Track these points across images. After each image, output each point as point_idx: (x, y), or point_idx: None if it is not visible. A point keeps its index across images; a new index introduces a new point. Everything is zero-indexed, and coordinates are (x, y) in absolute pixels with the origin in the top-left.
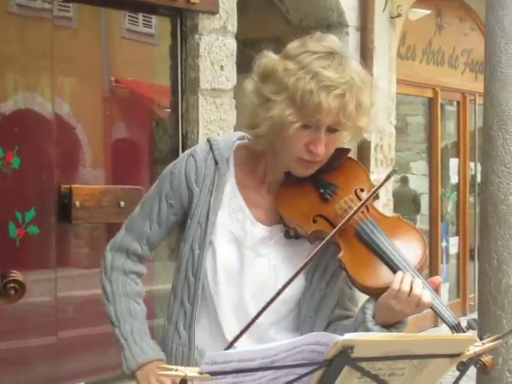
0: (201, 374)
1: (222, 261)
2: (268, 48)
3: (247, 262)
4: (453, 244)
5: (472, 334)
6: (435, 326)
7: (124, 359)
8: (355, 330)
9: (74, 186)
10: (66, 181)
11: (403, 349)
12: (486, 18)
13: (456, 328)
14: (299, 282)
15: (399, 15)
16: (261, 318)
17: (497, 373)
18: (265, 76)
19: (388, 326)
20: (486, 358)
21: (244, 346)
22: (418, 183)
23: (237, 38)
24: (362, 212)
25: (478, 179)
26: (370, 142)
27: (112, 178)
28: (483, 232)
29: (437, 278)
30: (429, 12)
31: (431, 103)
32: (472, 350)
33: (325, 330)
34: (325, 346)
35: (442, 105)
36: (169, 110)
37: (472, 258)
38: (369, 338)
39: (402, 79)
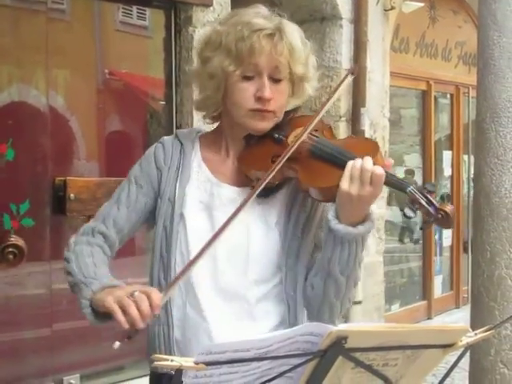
0: (196, 364)
1: (193, 229)
2: None
3: (217, 224)
4: (446, 237)
5: (430, 196)
6: (429, 318)
7: (84, 288)
8: (324, 245)
9: (68, 178)
10: (60, 173)
11: (397, 339)
12: (479, 10)
13: (412, 191)
14: (273, 236)
15: (393, 8)
16: (240, 278)
17: (489, 364)
18: (202, 45)
19: (354, 225)
20: (447, 207)
21: (219, 309)
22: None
23: None
24: (314, 136)
25: (472, 172)
26: (363, 135)
27: (106, 170)
28: (476, 224)
29: (387, 160)
30: (422, 5)
31: (425, 96)
32: (465, 340)
33: (307, 275)
34: (319, 337)
35: (435, 97)
36: (163, 103)
37: (465, 250)
38: (363, 329)
39: (395, 72)
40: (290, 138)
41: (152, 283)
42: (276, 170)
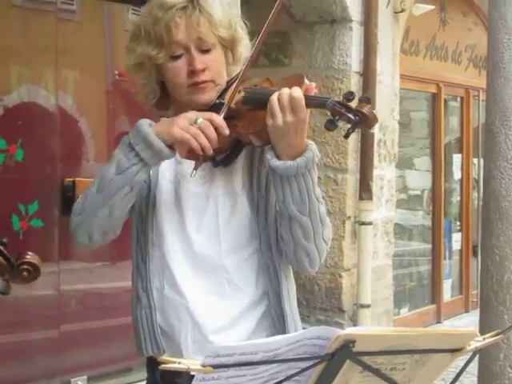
0: (203, 366)
1: (161, 204)
2: (271, 42)
3: (185, 200)
4: (456, 240)
5: (349, 103)
6: (438, 322)
7: (137, 133)
8: (274, 187)
9: (77, 179)
10: (69, 174)
11: (405, 343)
12: (489, 13)
13: (331, 103)
14: (241, 201)
15: (403, 10)
16: (215, 248)
17: (499, 368)
18: (128, 41)
19: (295, 158)
20: (364, 108)
21: (198, 285)
22: (422, 179)
23: None
24: (248, 87)
25: (481, 175)
26: (373, 137)
27: None
28: (485, 228)
29: (310, 84)
30: (433, 7)
31: (434, 99)
32: (473, 344)
33: (279, 229)
34: (326, 340)
35: (445, 100)
36: None
37: (475, 254)
38: (371, 333)
39: (405, 74)
40: (227, 96)
41: (132, 269)
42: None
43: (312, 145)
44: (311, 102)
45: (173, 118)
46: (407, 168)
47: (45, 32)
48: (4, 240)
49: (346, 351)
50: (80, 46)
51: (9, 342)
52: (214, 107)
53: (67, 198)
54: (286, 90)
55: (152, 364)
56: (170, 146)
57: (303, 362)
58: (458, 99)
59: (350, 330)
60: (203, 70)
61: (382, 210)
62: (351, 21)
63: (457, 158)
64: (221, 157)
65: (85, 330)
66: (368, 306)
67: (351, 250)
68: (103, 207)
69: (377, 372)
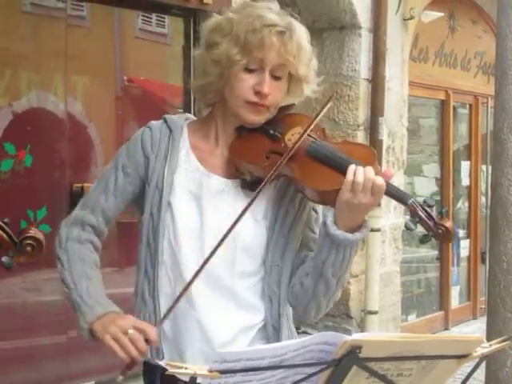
0: (210, 371)
1: (181, 218)
2: None
3: (206, 214)
4: (464, 247)
5: (430, 210)
6: (446, 328)
7: (80, 315)
8: (320, 247)
9: (85, 184)
10: (77, 180)
11: (411, 349)
12: (498, 21)
13: (413, 204)
14: (260, 230)
15: (412, 17)
16: (228, 269)
17: (506, 375)
18: (211, 30)
19: (352, 231)
20: (447, 223)
21: (208, 300)
22: (430, 186)
23: None
24: (313, 138)
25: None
26: (381, 144)
27: None
28: (493, 235)
29: (388, 170)
30: (442, 14)
31: (443, 106)
32: (479, 351)
33: (293, 272)
34: (333, 346)
35: (454, 107)
36: (181, 110)
37: (483, 261)
38: (377, 339)
39: (414, 81)
40: (288, 136)
41: (139, 271)
42: (276, 171)
43: (367, 222)
44: (392, 193)
45: (111, 321)
46: (416, 175)
47: (55, 38)
48: (5, 220)
49: (352, 357)
50: (89, 52)
51: (17, 347)
52: (267, 134)
53: (76, 203)
54: (370, 173)
55: (150, 369)
56: None
57: (310, 367)
58: (467, 106)
59: (356, 336)
60: (267, 95)
61: (390, 217)
62: (360, 28)
63: (465, 165)
64: (252, 179)
65: None
66: (376, 313)
67: (359, 257)
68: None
69: (383, 378)
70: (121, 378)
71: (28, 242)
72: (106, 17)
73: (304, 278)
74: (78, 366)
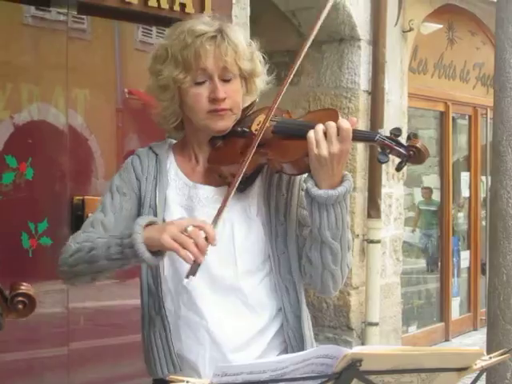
0: None
1: None
2: (281, 61)
3: (199, 213)
4: (464, 258)
5: (398, 138)
6: (446, 340)
7: (128, 243)
8: (310, 214)
9: (86, 197)
10: (78, 192)
11: (411, 362)
12: (496, 34)
13: (381, 138)
14: (256, 227)
15: (411, 29)
16: (231, 270)
17: None
18: (152, 61)
19: (334, 187)
20: (417, 143)
21: (216, 306)
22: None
23: None
24: (276, 117)
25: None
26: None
27: None
28: (492, 247)
29: (351, 119)
30: (440, 26)
31: (443, 117)
32: (479, 363)
33: (300, 254)
34: (334, 359)
35: (453, 119)
36: None
37: (483, 272)
38: (377, 352)
39: (413, 93)
40: (254, 127)
41: (142, 289)
42: (250, 157)
43: (348, 175)
44: (359, 135)
45: (164, 224)
46: (416, 186)
47: (55, 50)
48: None
49: (352, 370)
50: (90, 65)
51: (18, 359)
52: (237, 134)
53: (77, 216)
54: (331, 123)
55: None
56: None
57: (310, 380)
58: (466, 117)
59: (356, 349)
60: (224, 99)
61: (390, 228)
62: (359, 40)
63: (465, 176)
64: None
65: (94, 347)
66: (376, 324)
67: (359, 268)
68: (88, 275)
69: None
70: (186, 280)
71: (19, 298)
72: (107, 29)
73: (309, 252)
74: (78, 378)
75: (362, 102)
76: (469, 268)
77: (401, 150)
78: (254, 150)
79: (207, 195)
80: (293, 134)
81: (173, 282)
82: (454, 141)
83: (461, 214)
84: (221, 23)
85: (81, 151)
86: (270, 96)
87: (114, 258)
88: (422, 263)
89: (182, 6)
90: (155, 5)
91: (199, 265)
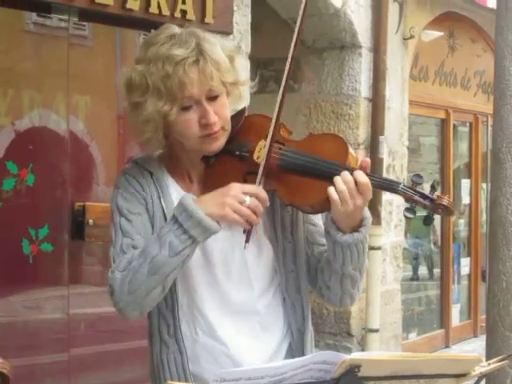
0: None
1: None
2: (281, 68)
3: (210, 252)
4: (464, 265)
5: (422, 190)
6: (446, 346)
7: (189, 221)
8: (333, 254)
9: (87, 203)
10: (79, 198)
11: (410, 368)
12: (496, 41)
13: (403, 189)
14: (264, 243)
15: (412, 37)
16: (249, 294)
17: None
18: (128, 90)
19: (356, 228)
20: (443, 200)
21: (234, 331)
22: None
23: (250, 58)
24: (279, 148)
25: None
26: (382, 163)
27: None
28: (492, 253)
29: (364, 161)
30: (441, 33)
31: (443, 124)
32: (478, 370)
33: (311, 272)
34: (332, 365)
35: (454, 126)
36: None
37: (484, 279)
38: (376, 358)
39: (414, 100)
40: (256, 154)
41: (152, 315)
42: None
43: (367, 212)
44: (379, 185)
45: (219, 195)
46: None
47: (57, 57)
48: None
49: (351, 376)
50: (91, 71)
51: (18, 365)
52: (233, 155)
53: (77, 222)
54: (349, 178)
55: None
56: None
57: None
58: (467, 125)
59: (355, 355)
60: (215, 123)
61: (390, 235)
62: (360, 47)
63: (465, 183)
64: None
65: (94, 353)
66: (376, 331)
67: None
68: (158, 286)
69: None
70: (247, 244)
71: None
72: (108, 36)
73: (328, 281)
74: None
75: (363, 109)
76: (469, 275)
77: (427, 203)
78: (261, 184)
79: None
80: (304, 173)
81: (188, 307)
82: (454, 148)
83: (461, 221)
84: (196, 39)
85: (82, 157)
86: (270, 103)
87: (181, 250)
88: (422, 270)
89: (183, 12)
90: (156, 11)
91: (254, 230)
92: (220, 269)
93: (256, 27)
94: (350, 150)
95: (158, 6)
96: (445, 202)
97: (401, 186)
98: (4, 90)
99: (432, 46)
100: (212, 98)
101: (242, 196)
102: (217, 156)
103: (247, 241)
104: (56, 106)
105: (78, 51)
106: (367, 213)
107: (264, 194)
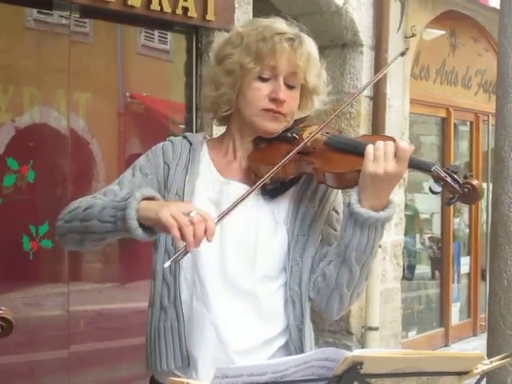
0: None
1: None
2: None
3: (226, 220)
4: (464, 264)
5: (454, 174)
6: (446, 345)
7: (122, 209)
8: (343, 229)
9: None
10: (80, 195)
11: (412, 365)
12: (499, 39)
13: (437, 170)
14: (281, 233)
15: (413, 35)
16: (247, 273)
17: None
18: (221, 45)
19: (376, 210)
20: (473, 181)
21: (227, 304)
22: (431, 203)
23: None
24: (327, 133)
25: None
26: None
27: None
28: (493, 252)
29: (411, 146)
30: (443, 32)
31: (444, 123)
32: (480, 367)
33: (313, 269)
34: (334, 362)
35: (455, 125)
36: (183, 127)
37: (483, 278)
38: (378, 355)
39: (415, 99)
40: (305, 135)
41: (155, 280)
42: (289, 158)
43: (393, 203)
44: (415, 161)
45: (167, 202)
46: (416, 191)
47: (58, 54)
48: None
49: (353, 373)
50: (92, 69)
51: (18, 362)
52: (284, 139)
53: None
54: (391, 143)
55: None
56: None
57: (311, 383)
58: (468, 124)
59: (357, 352)
60: (283, 102)
61: (390, 234)
62: (362, 45)
63: None
64: (272, 186)
65: (94, 350)
66: (376, 329)
67: None
68: (76, 233)
69: None
70: (168, 263)
71: None
72: (109, 33)
73: (326, 267)
74: (78, 381)
75: (364, 107)
76: (469, 274)
77: (455, 185)
78: (295, 152)
79: (238, 192)
80: (346, 149)
81: (190, 273)
82: (455, 147)
83: (461, 220)
84: (299, 31)
85: (82, 154)
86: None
87: (105, 221)
88: (422, 269)
89: (185, 9)
90: (158, 8)
91: (186, 253)
92: (230, 237)
93: None
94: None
95: (160, 3)
96: (474, 182)
97: (435, 166)
98: (5, 87)
99: (433, 44)
100: (289, 85)
101: (190, 209)
102: (268, 142)
103: (171, 261)
104: (57, 102)
105: (79, 48)
106: (392, 204)
107: (212, 225)
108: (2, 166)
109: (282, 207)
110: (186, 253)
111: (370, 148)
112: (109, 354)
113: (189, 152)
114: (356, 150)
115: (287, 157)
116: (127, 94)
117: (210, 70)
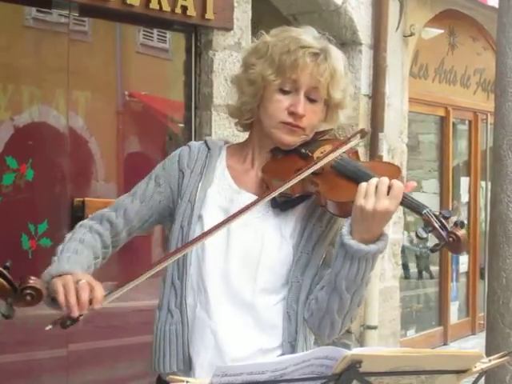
0: None
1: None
2: None
3: (234, 229)
4: (463, 263)
5: (444, 220)
6: (445, 344)
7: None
8: (335, 258)
9: (86, 199)
10: (79, 194)
11: (411, 364)
12: (497, 38)
13: (428, 214)
14: (287, 248)
15: (412, 34)
16: (248, 284)
17: None
18: (249, 52)
19: (367, 242)
20: (459, 232)
21: (228, 313)
22: (429, 201)
23: None
24: (340, 156)
25: (489, 198)
26: (381, 160)
27: (125, 191)
28: (492, 251)
29: (411, 183)
30: (442, 31)
31: (443, 122)
32: (479, 366)
33: (311, 289)
34: (333, 361)
35: (453, 124)
36: (182, 125)
37: (482, 276)
38: (377, 353)
39: (414, 98)
40: (316, 154)
41: (165, 283)
42: (297, 179)
43: (386, 236)
44: (408, 201)
45: (70, 276)
46: (415, 190)
47: (57, 53)
48: (7, 264)
49: (352, 371)
50: (91, 67)
51: (17, 361)
52: (299, 154)
53: (77, 217)
54: (385, 179)
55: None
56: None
57: (310, 381)
58: (467, 122)
59: (356, 351)
60: (302, 117)
61: (389, 233)
62: (361, 44)
63: (464, 181)
64: (282, 200)
65: (93, 349)
66: (375, 328)
67: None
68: None
69: None
70: (50, 326)
71: (28, 291)
72: (108, 32)
73: (319, 292)
74: (77, 380)
75: (363, 106)
76: (467, 273)
77: (442, 232)
78: (304, 174)
79: (248, 202)
80: (349, 176)
81: (196, 279)
82: (454, 146)
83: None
84: (328, 43)
85: (81, 153)
86: None
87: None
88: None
89: (184, 8)
90: (157, 7)
91: (71, 320)
92: (236, 247)
93: (256, 24)
94: (402, 175)
95: (159, 2)
96: (459, 233)
97: (426, 209)
98: (4, 86)
99: (432, 43)
100: (310, 99)
101: (81, 278)
102: (285, 154)
103: (53, 323)
104: (56, 101)
105: (78, 47)
106: (385, 237)
107: (100, 296)
108: (1, 165)
109: (289, 222)
110: (71, 319)
111: (363, 183)
112: (108, 353)
113: (205, 158)
114: (360, 180)
115: (296, 177)
116: (126, 93)
117: (237, 75)
